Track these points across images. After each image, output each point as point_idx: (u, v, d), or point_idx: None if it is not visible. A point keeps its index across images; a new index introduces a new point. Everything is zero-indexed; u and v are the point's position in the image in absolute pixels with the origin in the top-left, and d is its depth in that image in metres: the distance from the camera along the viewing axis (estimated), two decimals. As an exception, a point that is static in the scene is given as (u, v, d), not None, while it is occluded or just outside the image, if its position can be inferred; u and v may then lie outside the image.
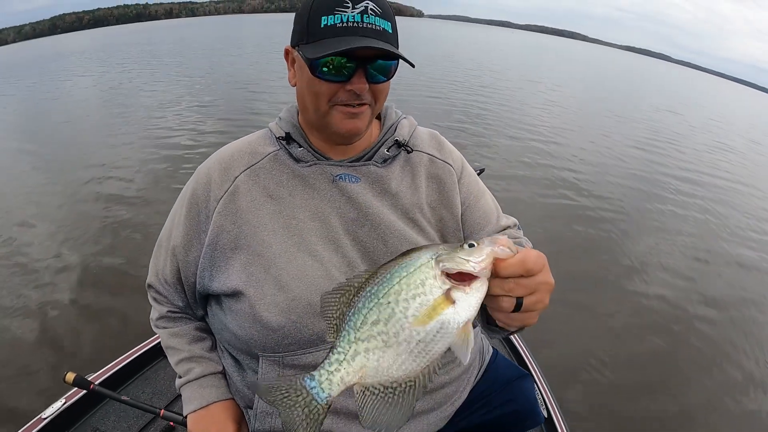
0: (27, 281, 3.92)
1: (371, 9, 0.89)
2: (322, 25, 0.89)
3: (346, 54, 0.88)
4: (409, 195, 1.06)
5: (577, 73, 35.50)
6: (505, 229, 1.20)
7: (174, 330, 1.14)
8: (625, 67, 63.75)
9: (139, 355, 2.05)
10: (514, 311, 0.66)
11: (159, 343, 2.05)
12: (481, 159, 7.49)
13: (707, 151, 11.74)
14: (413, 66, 0.95)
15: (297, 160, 1.03)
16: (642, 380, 3.24)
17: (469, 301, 0.60)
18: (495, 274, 0.63)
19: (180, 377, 1.11)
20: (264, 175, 1.02)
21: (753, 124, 22.94)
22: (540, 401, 2.11)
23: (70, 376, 1.25)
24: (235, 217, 1.00)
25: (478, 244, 0.61)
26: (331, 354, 0.62)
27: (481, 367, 1.28)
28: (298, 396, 0.64)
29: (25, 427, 1.60)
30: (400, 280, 0.60)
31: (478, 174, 2.38)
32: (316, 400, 0.63)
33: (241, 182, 1.02)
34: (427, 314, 0.58)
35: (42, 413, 1.66)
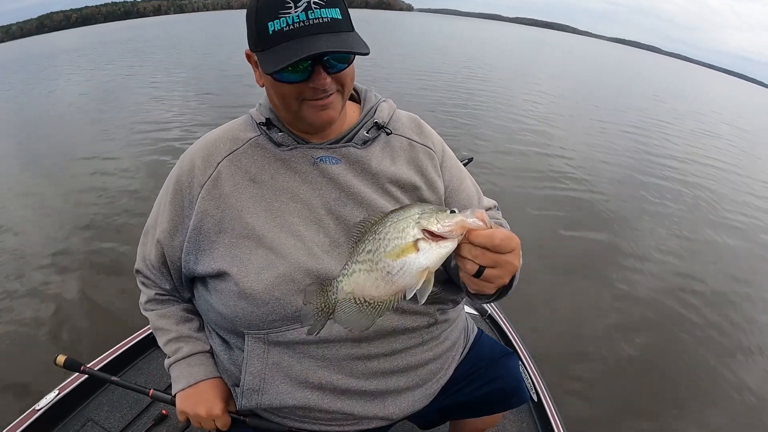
0: (20, 272, 3.96)
1: (314, 2, 0.88)
2: (270, 32, 0.89)
3: (299, 54, 0.88)
4: (390, 174, 1.08)
5: (567, 65, 35.55)
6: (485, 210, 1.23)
7: (162, 311, 1.17)
8: (615, 59, 63.89)
9: (134, 344, 2.08)
10: (475, 276, 0.77)
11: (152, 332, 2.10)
12: (470, 148, 7.55)
13: (695, 140, 11.91)
14: (367, 54, 0.92)
15: (278, 145, 1.06)
16: (632, 363, 3.31)
17: (432, 252, 0.73)
18: (467, 240, 0.75)
19: (168, 357, 1.14)
20: (246, 160, 1.05)
21: (741, 114, 23.21)
22: (529, 384, 2.16)
23: (61, 359, 1.27)
24: (218, 202, 1.03)
25: (457, 212, 0.74)
26: (343, 268, 0.78)
27: (466, 345, 1.32)
28: (322, 294, 0.79)
29: (19, 419, 1.61)
30: (391, 224, 0.75)
31: (467, 163, 2.42)
32: (330, 300, 0.79)
33: (223, 168, 1.04)
34: (396, 253, 0.73)
35: (35, 405, 1.68)
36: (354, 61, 0.99)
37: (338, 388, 1.04)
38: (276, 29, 0.88)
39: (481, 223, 0.74)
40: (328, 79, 0.94)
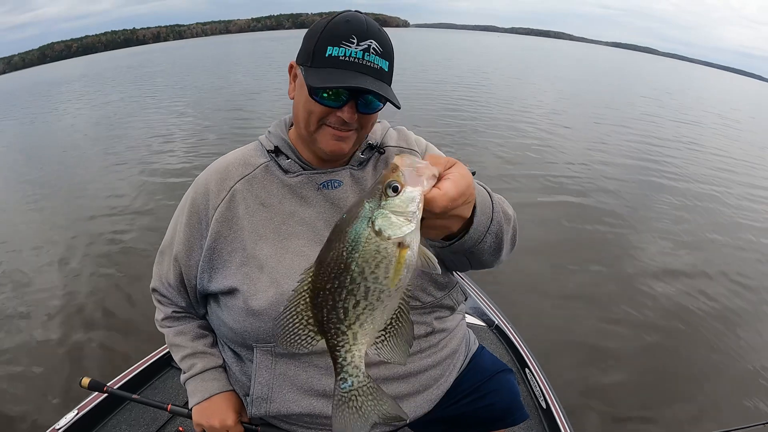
0: (38, 302, 4.04)
1: (373, 48, 0.98)
2: (327, 55, 0.97)
3: (343, 84, 0.97)
4: None
5: (565, 71, 35.83)
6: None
7: (178, 328, 1.24)
8: (612, 62, 64.24)
9: (151, 363, 2.15)
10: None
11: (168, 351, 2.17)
12: (473, 160, 7.63)
13: (691, 134, 12.19)
14: (399, 107, 1.01)
15: (285, 171, 1.13)
16: (643, 373, 3.29)
17: (416, 233, 0.63)
18: (426, 205, 0.66)
19: (184, 372, 1.21)
20: (257, 184, 1.12)
21: (739, 107, 23.45)
22: (539, 393, 2.18)
23: (86, 381, 1.34)
24: (231, 224, 1.10)
25: (400, 186, 0.63)
26: (338, 352, 0.67)
27: (467, 355, 1.36)
28: (355, 402, 0.69)
29: None
30: (357, 262, 0.62)
31: None
32: (362, 386, 0.69)
33: (237, 191, 1.12)
34: (397, 270, 0.62)
35: (56, 424, 1.73)
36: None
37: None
38: (333, 54, 0.97)
39: (431, 182, 0.65)
40: (356, 116, 1.02)
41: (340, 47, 0.97)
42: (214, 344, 1.25)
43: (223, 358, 1.23)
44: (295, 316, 0.68)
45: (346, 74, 0.97)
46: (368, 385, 0.69)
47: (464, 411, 1.29)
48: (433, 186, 0.66)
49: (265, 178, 1.13)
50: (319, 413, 1.10)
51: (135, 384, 2.06)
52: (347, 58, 0.97)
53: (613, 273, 4.62)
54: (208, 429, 1.18)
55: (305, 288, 0.67)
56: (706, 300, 4.25)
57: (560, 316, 3.81)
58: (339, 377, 0.68)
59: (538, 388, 2.19)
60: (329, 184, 1.13)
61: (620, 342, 3.57)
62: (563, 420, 1.99)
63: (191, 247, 1.14)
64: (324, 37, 0.98)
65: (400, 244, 0.62)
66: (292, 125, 1.19)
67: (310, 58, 1.00)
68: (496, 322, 2.63)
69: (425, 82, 18.41)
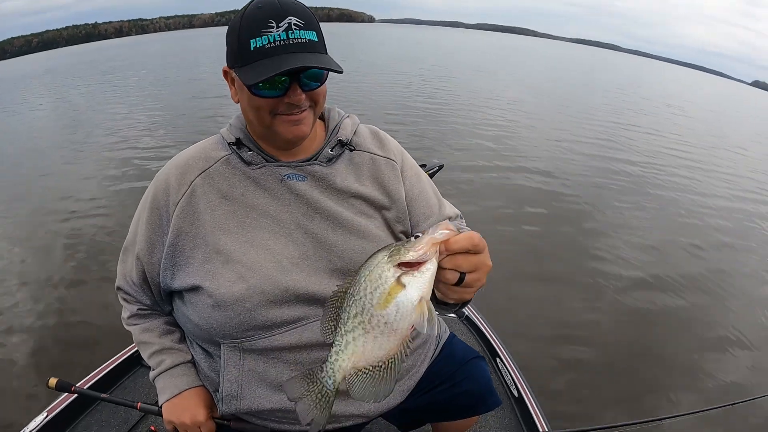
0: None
1: (295, 24, 0.95)
2: (252, 48, 0.95)
3: (279, 72, 0.95)
4: (353, 189, 1.14)
5: (530, 67, 36.55)
6: (446, 220, 1.26)
7: (144, 325, 1.21)
8: (575, 58, 65.75)
9: (120, 362, 2.11)
10: (456, 284, 0.77)
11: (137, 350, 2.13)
12: (440, 155, 7.66)
13: (652, 128, 12.77)
14: (341, 72, 1.00)
15: (247, 163, 1.11)
16: (612, 359, 3.37)
17: (418, 280, 0.70)
18: (447, 250, 0.73)
19: (153, 369, 1.19)
20: (218, 178, 1.10)
21: (695, 102, 24.65)
22: (510, 382, 2.22)
23: (53, 381, 1.30)
24: (192, 219, 1.08)
25: (422, 234, 0.72)
26: (331, 350, 0.74)
27: (438, 344, 1.36)
28: (311, 386, 0.77)
29: None
30: (365, 278, 0.71)
31: (437, 170, 2.48)
32: (326, 388, 0.76)
33: (197, 185, 1.09)
34: (385, 300, 0.69)
35: (24, 428, 1.69)
36: (326, 81, 1.06)
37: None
38: (257, 46, 0.95)
39: (449, 232, 0.72)
40: (303, 96, 1.00)
41: (261, 36, 0.95)
42: (182, 340, 1.23)
43: (192, 355, 1.21)
44: (332, 308, 0.75)
45: (276, 60, 0.94)
46: (328, 393, 0.76)
47: (438, 399, 1.30)
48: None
49: (227, 170, 1.11)
50: (290, 408, 1.08)
51: (105, 384, 2.02)
52: (273, 44, 0.95)
53: (579, 263, 4.74)
54: (179, 426, 1.15)
55: (344, 288, 0.74)
56: (670, 285, 4.43)
57: (529, 306, 3.89)
58: (321, 365, 0.76)
59: (509, 377, 2.22)
60: (293, 176, 1.11)
61: (589, 330, 3.67)
62: (535, 407, 2.02)
63: (153, 245, 1.12)
64: (243, 33, 0.96)
65: (398, 281, 0.69)
66: None
67: (238, 57, 0.98)
68: (466, 313, 2.66)
69: (391, 74, 18.57)
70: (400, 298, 0.69)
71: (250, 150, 1.11)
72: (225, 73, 1.07)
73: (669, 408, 2.96)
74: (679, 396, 3.07)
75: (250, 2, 0.98)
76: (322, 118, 1.23)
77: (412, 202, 1.22)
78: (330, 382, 0.75)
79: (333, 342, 0.74)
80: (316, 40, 0.99)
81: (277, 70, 0.93)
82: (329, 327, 0.75)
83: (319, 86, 1.04)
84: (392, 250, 0.71)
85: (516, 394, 2.14)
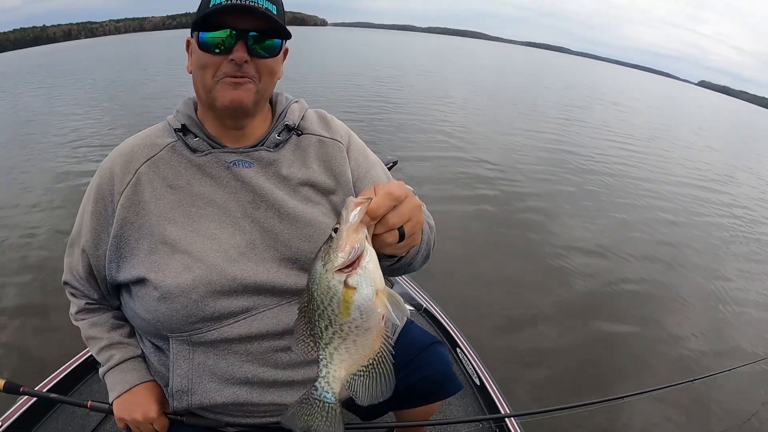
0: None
1: None
2: (211, 5, 0.95)
3: (229, 27, 0.96)
4: (300, 175, 1.12)
5: (480, 68, 37.31)
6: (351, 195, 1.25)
7: (92, 320, 1.17)
8: (526, 61, 67.60)
9: (76, 366, 2.04)
10: (399, 242, 0.76)
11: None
12: (394, 152, 7.76)
13: (600, 125, 13.55)
14: (289, 36, 1.02)
15: (193, 150, 1.08)
16: (569, 345, 3.47)
17: (365, 278, 0.69)
18: (372, 219, 0.72)
19: (102, 365, 1.15)
20: (163, 166, 1.07)
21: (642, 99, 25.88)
22: (471, 370, 2.25)
23: (0, 383, 1.24)
24: (137, 209, 1.04)
25: (339, 224, 0.69)
26: (319, 365, 0.74)
27: (395, 331, 1.35)
28: (313, 408, 0.76)
29: None
30: (316, 293, 0.70)
31: (391, 167, 2.49)
32: (328, 402, 0.75)
33: (142, 174, 1.05)
34: (345, 307, 0.68)
35: None
36: (278, 64, 1.05)
37: (265, 381, 1.06)
38: (216, 2, 0.95)
39: (362, 205, 0.70)
40: (247, 57, 0.98)
41: None
42: (132, 334, 1.19)
43: (142, 350, 1.17)
44: (302, 324, 0.74)
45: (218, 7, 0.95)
46: (332, 406, 0.76)
47: (397, 386, 1.29)
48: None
49: (172, 158, 1.08)
50: (243, 401, 1.06)
51: (63, 388, 1.94)
52: (230, 0, 0.94)
53: (532, 253, 4.90)
54: (130, 423, 1.11)
55: (305, 300, 0.73)
56: (622, 269, 4.64)
57: (485, 296, 3.97)
58: (314, 384, 0.75)
59: (470, 366, 2.25)
60: (239, 163, 1.08)
61: (545, 317, 3.78)
62: (497, 394, 2.06)
63: (98, 237, 1.08)
64: None
65: (346, 284, 0.68)
66: None
67: (199, 18, 0.98)
68: (425, 306, 2.68)
69: (345, 75, 18.63)
70: (358, 301, 0.68)
71: (196, 136, 1.08)
72: (188, 44, 1.06)
73: (629, 389, 3.06)
74: (639, 377, 3.19)
75: None
76: (270, 103, 1.20)
77: (358, 181, 1.20)
78: (330, 395, 0.75)
79: (318, 357, 0.73)
80: (275, 13, 0.98)
81: (223, 4, 0.93)
82: (306, 345, 0.74)
83: (268, 58, 1.02)
84: (324, 259, 0.69)
85: (478, 382, 2.17)
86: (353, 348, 0.72)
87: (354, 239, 0.68)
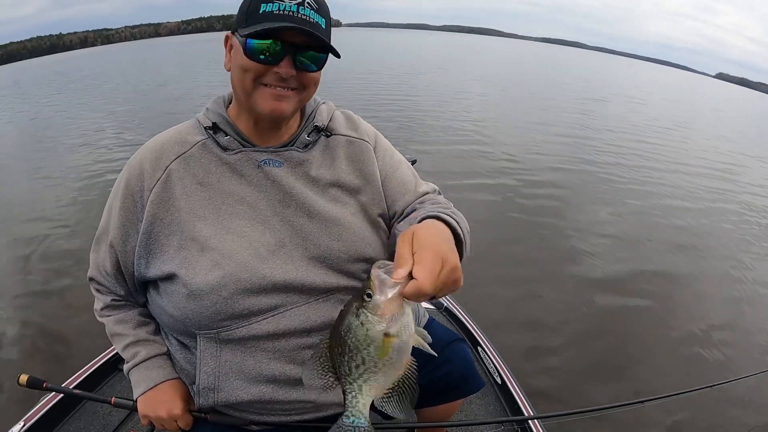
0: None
1: (308, 2, 0.97)
2: (261, 11, 0.95)
3: (278, 38, 0.96)
4: (329, 175, 1.13)
5: (497, 65, 37.11)
6: (424, 196, 1.26)
7: (118, 316, 1.17)
8: (542, 57, 67.09)
9: (101, 365, 2.06)
10: (432, 299, 0.82)
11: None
12: (413, 150, 7.76)
13: (619, 122, 13.15)
14: (338, 56, 1.03)
15: (224, 148, 1.08)
16: (591, 347, 3.42)
17: (404, 327, 0.76)
18: (407, 298, 0.74)
19: (127, 362, 1.15)
20: (194, 163, 1.07)
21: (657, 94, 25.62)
22: (492, 369, 2.23)
23: (24, 378, 1.25)
24: (167, 205, 1.04)
25: (372, 293, 0.74)
26: (347, 396, 0.81)
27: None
28: None
29: None
30: (351, 339, 0.76)
31: (411, 164, 2.48)
32: (362, 427, 0.82)
33: (172, 170, 1.06)
34: (384, 350, 0.75)
35: None
36: (320, 73, 1.05)
37: (292, 378, 1.07)
38: (267, 10, 0.95)
39: (401, 285, 0.73)
40: (293, 72, 0.99)
41: (273, 2, 0.95)
42: (157, 331, 1.20)
43: (167, 347, 1.17)
44: (320, 362, 0.81)
45: (275, 25, 0.95)
46: (366, 429, 0.82)
47: (420, 383, 1.29)
48: (409, 279, 0.73)
49: (203, 155, 1.08)
50: (269, 399, 1.06)
51: (84, 387, 1.95)
52: (281, 12, 0.95)
53: (555, 249, 4.86)
54: (155, 420, 1.12)
55: (326, 343, 0.81)
56: (644, 273, 4.52)
57: (507, 296, 3.93)
58: (345, 413, 0.82)
59: (492, 365, 2.23)
60: (270, 162, 1.09)
61: (567, 318, 3.72)
62: (519, 393, 2.04)
63: (127, 232, 1.08)
64: None
65: (386, 334, 0.74)
66: (230, 102, 1.14)
67: (245, 20, 0.98)
68: (446, 305, 2.67)
69: (361, 75, 18.73)
70: (396, 344, 0.75)
71: (226, 135, 1.09)
72: (226, 39, 1.06)
73: (649, 392, 3.01)
74: (659, 380, 3.12)
75: None
76: None
77: (386, 180, 1.21)
78: (363, 421, 0.81)
79: (344, 390, 0.80)
80: (323, 27, 1.00)
81: (273, 25, 0.94)
82: (325, 380, 0.81)
83: (314, 71, 1.03)
84: (361, 319, 0.75)
85: (499, 381, 2.15)
86: (383, 378, 0.78)
87: (393, 308, 0.74)
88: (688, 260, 4.88)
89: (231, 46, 1.05)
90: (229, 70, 1.06)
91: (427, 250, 0.75)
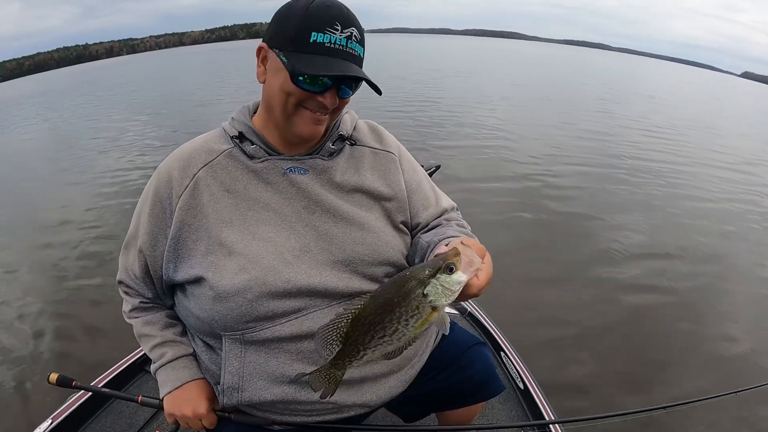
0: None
1: (355, 36, 1.01)
2: (311, 40, 0.98)
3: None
4: (353, 182, 1.17)
5: (521, 68, 36.85)
6: (443, 212, 1.30)
7: (146, 318, 1.22)
8: (565, 59, 66.45)
9: (127, 366, 2.10)
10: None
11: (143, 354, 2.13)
12: (437, 156, 7.77)
13: (642, 123, 12.81)
14: (380, 93, 1.08)
15: (250, 157, 1.12)
16: (615, 352, 3.36)
17: (448, 303, 0.83)
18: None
19: (154, 362, 1.19)
20: (221, 170, 1.11)
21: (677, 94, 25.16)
22: (514, 374, 2.22)
23: (54, 376, 1.29)
24: (195, 211, 1.09)
25: (455, 269, 0.82)
26: (345, 359, 0.89)
27: (437, 332, 1.36)
28: (325, 375, 0.93)
29: None
30: (401, 308, 0.82)
31: (434, 171, 2.50)
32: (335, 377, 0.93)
33: (200, 178, 1.10)
34: (423, 324, 0.83)
35: None
36: None
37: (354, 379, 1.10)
38: (317, 40, 0.98)
39: (473, 270, 0.84)
40: (337, 102, 1.05)
41: (325, 33, 0.98)
42: (184, 333, 1.23)
43: (193, 348, 1.21)
44: (335, 331, 0.87)
45: (331, 61, 0.98)
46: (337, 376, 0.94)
47: (441, 386, 1.30)
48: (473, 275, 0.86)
49: (230, 163, 1.12)
50: (291, 399, 1.09)
51: (111, 387, 1.99)
52: (332, 45, 0.99)
53: (579, 252, 4.78)
54: (180, 418, 1.15)
55: (353, 311, 0.86)
56: (671, 274, 4.44)
57: (531, 300, 3.89)
58: (332, 364, 0.90)
59: (514, 370, 2.22)
60: (295, 169, 1.12)
61: (591, 324, 3.66)
62: (542, 398, 2.02)
63: (156, 238, 1.12)
64: (306, 22, 0.98)
65: (434, 308, 0.82)
66: (255, 111, 1.18)
67: (291, 42, 1.00)
68: (469, 310, 2.66)
69: (386, 80, 18.87)
70: (436, 320, 0.83)
71: (252, 143, 1.12)
72: (260, 49, 1.07)
73: (674, 397, 2.95)
74: (683, 385, 3.06)
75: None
76: None
77: (411, 193, 1.25)
78: (339, 373, 0.92)
79: (347, 354, 0.88)
80: (362, 56, 1.06)
81: (338, 71, 0.98)
82: (334, 347, 0.88)
83: (349, 97, 1.09)
84: (426, 284, 0.81)
85: (521, 386, 2.13)
86: (388, 349, 0.86)
87: (460, 288, 0.83)
88: (716, 260, 4.79)
89: (265, 59, 1.07)
90: (262, 83, 1.09)
91: (488, 262, 0.91)
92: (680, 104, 20.71)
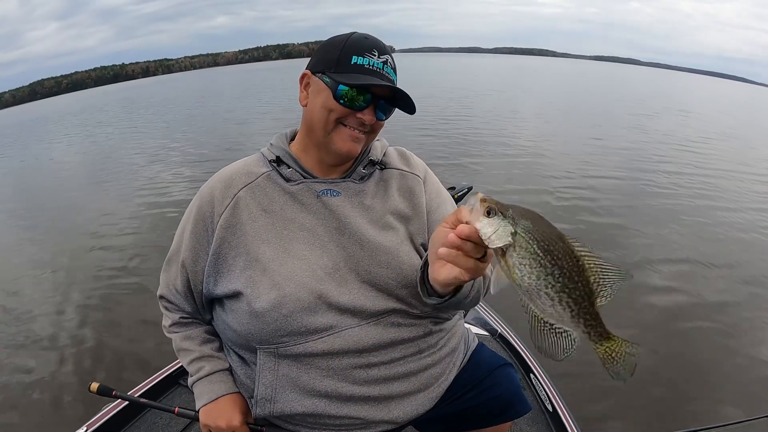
0: (38, 328, 4.03)
1: (389, 62, 1.15)
2: (352, 62, 1.10)
3: (368, 90, 1.10)
4: (382, 204, 1.22)
5: (553, 85, 36.67)
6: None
7: (185, 333, 1.27)
8: (595, 74, 65.85)
9: (162, 378, 2.15)
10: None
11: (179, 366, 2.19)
12: (468, 177, 7.77)
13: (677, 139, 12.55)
14: (413, 113, 1.18)
15: (286, 179, 1.19)
16: (647, 375, 3.25)
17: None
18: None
19: (191, 376, 1.24)
20: (259, 192, 1.18)
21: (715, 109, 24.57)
22: (545, 397, 2.19)
23: (94, 386, 1.35)
24: (235, 229, 1.15)
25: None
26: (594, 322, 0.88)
27: (466, 352, 1.38)
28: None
29: None
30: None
31: (467, 192, 2.51)
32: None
33: (240, 198, 1.17)
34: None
35: None
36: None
37: (343, 395, 1.13)
38: (358, 63, 1.11)
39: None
40: (374, 120, 1.14)
41: (364, 57, 1.11)
42: (221, 349, 1.29)
43: (229, 363, 1.26)
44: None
45: (370, 79, 1.10)
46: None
47: (467, 406, 1.31)
48: None
49: (268, 185, 1.19)
50: (321, 413, 1.13)
51: (147, 398, 2.06)
52: (371, 67, 1.11)
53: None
54: (214, 429, 1.20)
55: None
56: (707, 297, 4.29)
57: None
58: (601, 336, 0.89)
59: (543, 393, 2.19)
60: (328, 192, 1.18)
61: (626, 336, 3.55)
62: (570, 422, 1.99)
63: (197, 254, 1.19)
64: (348, 48, 1.11)
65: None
66: (293, 139, 1.26)
67: (334, 65, 1.11)
68: (499, 331, 2.64)
69: (419, 99, 18.89)
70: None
71: (289, 167, 1.20)
72: (303, 77, 1.18)
73: (704, 421, 2.85)
74: (717, 408, 2.97)
75: (352, 33, 1.16)
76: None
77: (431, 213, 1.29)
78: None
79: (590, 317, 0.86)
80: (395, 83, 1.17)
81: (379, 82, 1.10)
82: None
83: (384, 119, 1.19)
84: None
85: (550, 408, 2.11)
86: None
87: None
88: (750, 277, 4.64)
89: (307, 85, 1.17)
90: (304, 106, 1.18)
91: None
92: (714, 117, 20.29)
